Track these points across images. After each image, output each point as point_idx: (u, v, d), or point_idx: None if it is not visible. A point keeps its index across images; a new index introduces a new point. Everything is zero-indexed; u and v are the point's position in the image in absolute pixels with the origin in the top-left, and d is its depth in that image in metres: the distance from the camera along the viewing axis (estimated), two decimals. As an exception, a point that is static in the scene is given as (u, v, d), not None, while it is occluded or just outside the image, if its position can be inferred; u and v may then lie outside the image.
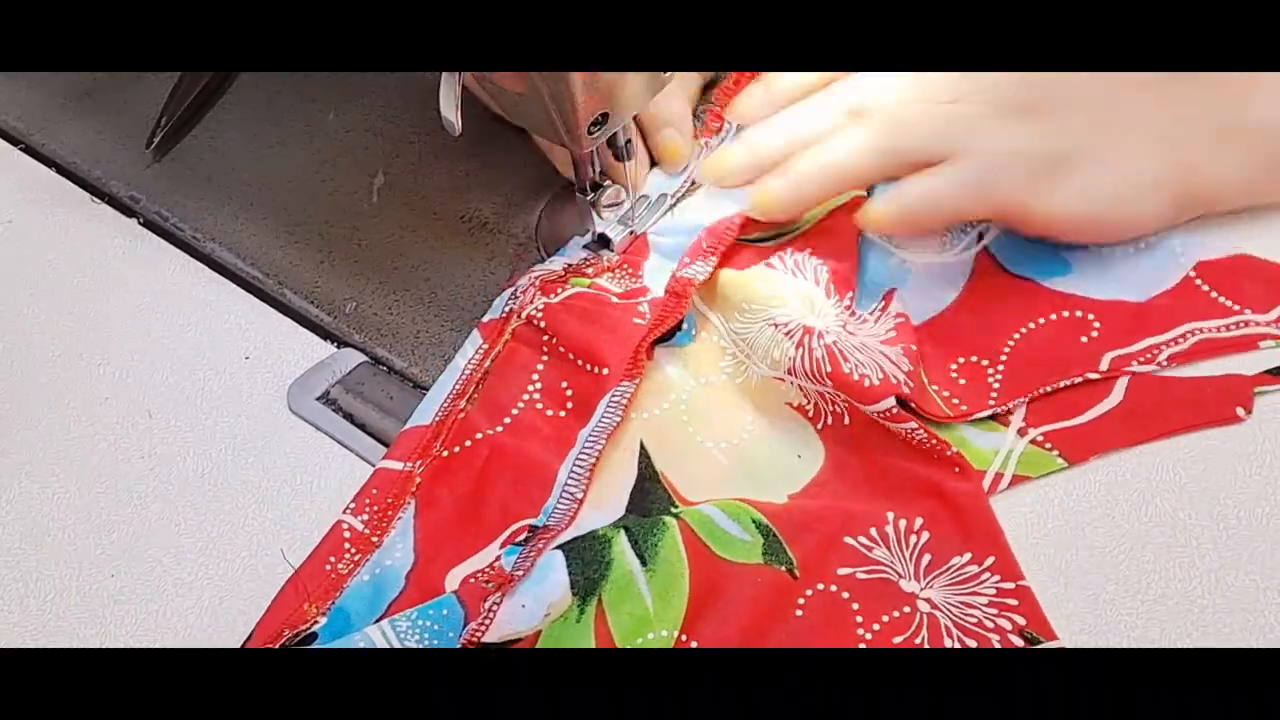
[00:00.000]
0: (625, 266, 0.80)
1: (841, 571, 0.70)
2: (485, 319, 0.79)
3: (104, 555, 0.74)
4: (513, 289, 0.79)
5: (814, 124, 0.80)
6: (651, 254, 0.81)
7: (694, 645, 0.68)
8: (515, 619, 0.67)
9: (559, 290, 0.78)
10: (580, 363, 0.76)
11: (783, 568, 0.70)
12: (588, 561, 0.69)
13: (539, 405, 0.76)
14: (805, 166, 0.78)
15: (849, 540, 0.71)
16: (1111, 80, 0.77)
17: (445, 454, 0.75)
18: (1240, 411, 0.73)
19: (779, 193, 0.78)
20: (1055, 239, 0.78)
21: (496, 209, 0.85)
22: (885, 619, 0.69)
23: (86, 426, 0.79)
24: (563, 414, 0.76)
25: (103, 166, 0.90)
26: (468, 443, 0.75)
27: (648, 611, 0.68)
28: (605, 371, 0.75)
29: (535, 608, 0.68)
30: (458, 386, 0.77)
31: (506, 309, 0.79)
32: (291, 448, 0.78)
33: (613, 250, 0.81)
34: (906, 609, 0.69)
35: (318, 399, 0.79)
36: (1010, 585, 0.69)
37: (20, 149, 0.92)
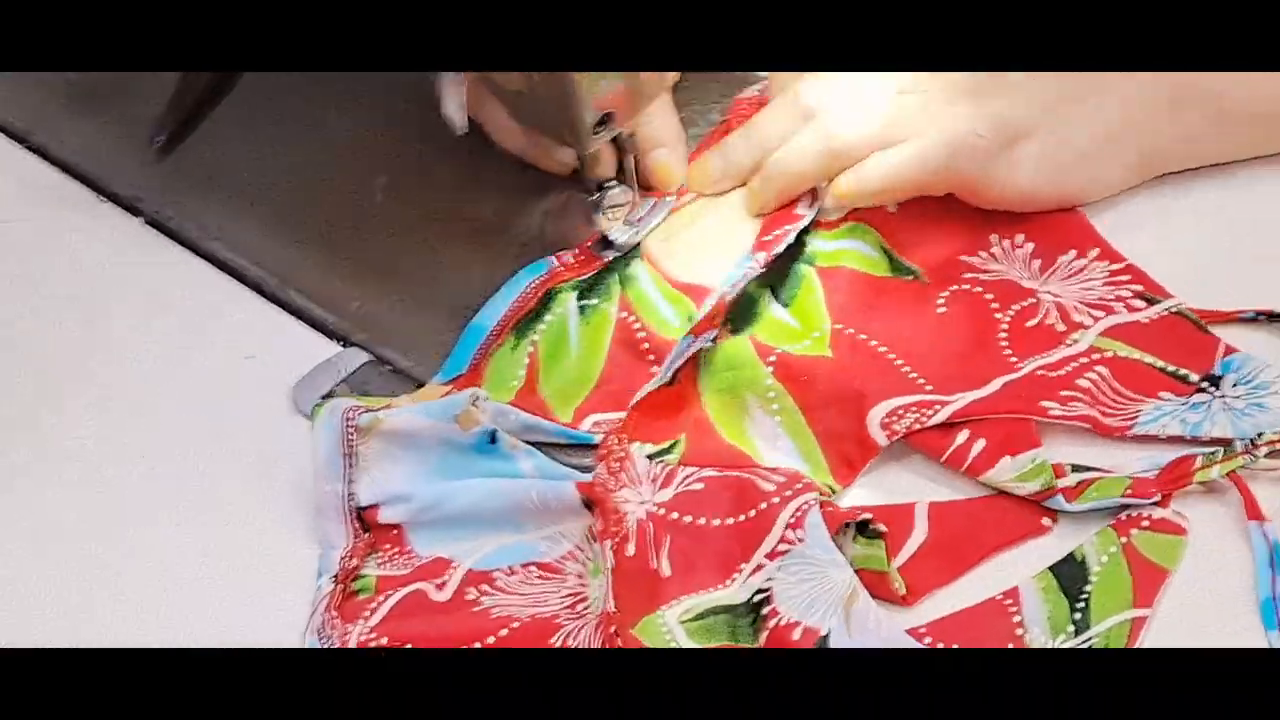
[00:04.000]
0: (389, 547, 0.75)
1: (967, 275, 0.79)
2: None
3: (104, 555, 0.74)
4: (308, 627, 0.71)
5: (774, 128, 0.82)
6: (411, 532, 0.74)
7: (850, 333, 0.77)
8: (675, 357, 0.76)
9: (360, 617, 0.72)
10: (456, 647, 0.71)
11: (910, 278, 0.79)
12: (740, 312, 0.78)
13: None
14: (769, 171, 0.81)
15: (964, 258, 0.79)
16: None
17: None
18: (1046, 521, 0.70)
19: (752, 199, 0.82)
20: (1016, 210, 0.80)
21: (499, 209, 0.85)
22: (1016, 307, 0.77)
23: (87, 426, 0.79)
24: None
25: (106, 166, 0.90)
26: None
27: (795, 329, 0.78)
28: (493, 640, 0.70)
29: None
30: None
31: (328, 642, 0.71)
32: (295, 448, 0.77)
33: (616, 250, 0.81)
34: (1031, 300, 0.77)
35: (322, 399, 0.79)
36: (1118, 265, 0.78)
37: (23, 148, 0.92)
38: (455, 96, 0.75)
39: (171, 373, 0.81)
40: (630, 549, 0.71)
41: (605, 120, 0.75)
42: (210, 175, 0.89)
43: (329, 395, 0.79)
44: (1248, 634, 0.66)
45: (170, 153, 0.90)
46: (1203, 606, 0.68)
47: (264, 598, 0.72)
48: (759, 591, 0.69)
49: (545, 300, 0.78)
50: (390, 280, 0.83)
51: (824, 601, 0.68)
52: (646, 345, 0.77)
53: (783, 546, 0.70)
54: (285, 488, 0.76)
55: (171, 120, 0.90)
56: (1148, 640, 0.66)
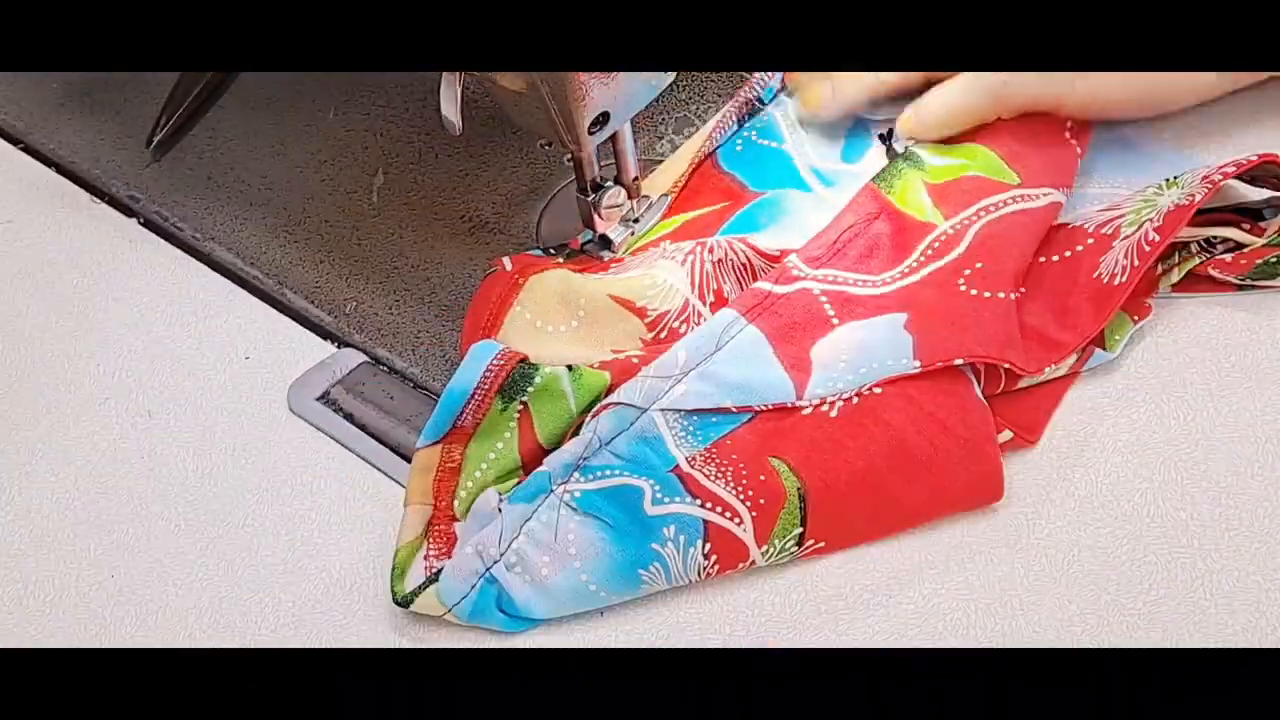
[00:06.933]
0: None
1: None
2: None
3: (104, 555, 0.74)
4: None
5: None
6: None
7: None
8: None
9: None
10: None
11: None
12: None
13: None
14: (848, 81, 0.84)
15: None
16: None
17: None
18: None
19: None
20: (1105, 120, 0.82)
21: (496, 208, 0.85)
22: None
23: (86, 426, 0.79)
24: None
25: (102, 166, 0.90)
26: None
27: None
28: None
29: None
30: None
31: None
32: (292, 448, 0.77)
33: (614, 250, 0.81)
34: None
35: (318, 399, 0.79)
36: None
37: (20, 148, 0.92)
38: (452, 97, 0.75)
39: (168, 373, 0.81)
40: None
41: (601, 120, 0.75)
42: (207, 176, 0.89)
43: (325, 396, 0.79)
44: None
45: (167, 153, 0.90)
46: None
47: (261, 598, 0.72)
48: None
49: (527, 366, 0.73)
50: (387, 281, 0.83)
51: None
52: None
53: None
54: (282, 488, 0.76)
55: (168, 121, 0.90)
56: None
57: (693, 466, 0.70)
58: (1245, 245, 0.76)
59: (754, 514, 0.69)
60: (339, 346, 0.81)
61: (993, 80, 0.79)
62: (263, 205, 0.87)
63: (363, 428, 0.77)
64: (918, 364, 0.72)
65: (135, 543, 0.74)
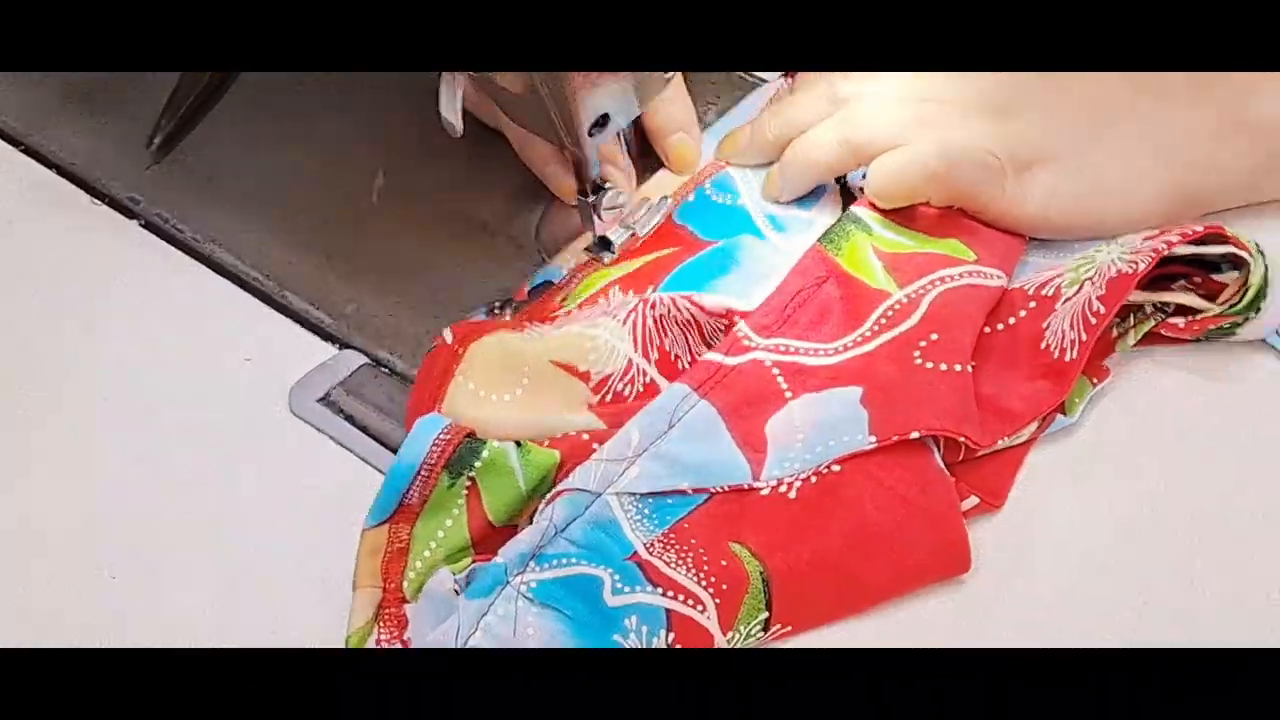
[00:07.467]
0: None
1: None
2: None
3: (104, 555, 0.74)
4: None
5: (803, 111, 0.83)
6: None
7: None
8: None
9: None
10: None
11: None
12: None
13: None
14: (788, 157, 0.82)
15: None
16: (1097, 80, 0.77)
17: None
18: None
19: (771, 184, 0.83)
20: (1026, 234, 0.79)
21: (496, 210, 0.86)
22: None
23: (86, 427, 0.79)
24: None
25: (102, 167, 0.90)
26: None
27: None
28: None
29: None
30: None
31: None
32: (292, 450, 0.77)
33: (614, 252, 0.81)
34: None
35: (319, 401, 0.79)
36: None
37: (20, 150, 0.91)
38: (452, 98, 0.75)
39: (169, 375, 0.81)
40: None
41: (602, 121, 0.75)
42: (207, 177, 0.89)
43: (325, 398, 0.79)
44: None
45: (167, 154, 0.90)
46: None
47: (261, 598, 0.72)
48: None
49: (473, 440, 0.72)
50: (387, 282, 0.83)
51: None
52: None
53: None
54: (282, 490, 0.76)
55: (168, 122, 0.90)
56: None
57: (651, 553, 0.69)
58: (1200, 311, 0.74)
59: (717, 600, 0.68)
60: (340, 348, 0.81)
61: (931, 161, 0.77)
62: (263, 206, 0.87)
63: (364, 429, 0.78)
64: (873, 439, 0.70)
65: (135, 543, 0.74)
